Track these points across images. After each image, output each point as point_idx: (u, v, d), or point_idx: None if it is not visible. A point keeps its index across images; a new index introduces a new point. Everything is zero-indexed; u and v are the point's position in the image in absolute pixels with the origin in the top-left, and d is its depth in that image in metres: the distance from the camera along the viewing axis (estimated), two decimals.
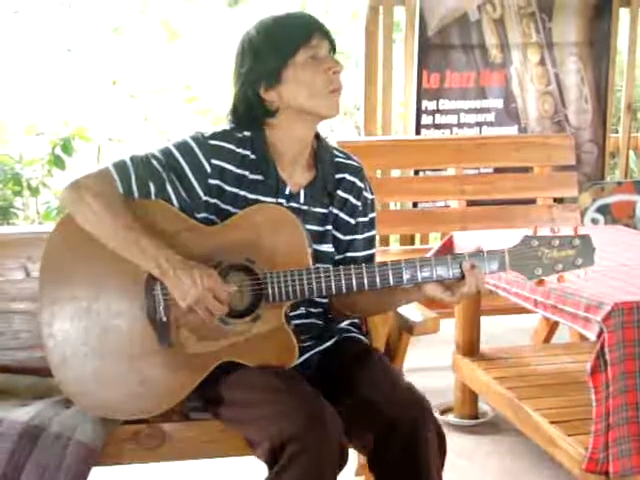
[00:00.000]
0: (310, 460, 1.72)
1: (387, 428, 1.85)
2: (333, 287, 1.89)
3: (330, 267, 1.93)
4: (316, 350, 2.07)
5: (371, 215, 2.13)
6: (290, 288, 1.88)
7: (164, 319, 1.92)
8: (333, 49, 1.99)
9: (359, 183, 2.10)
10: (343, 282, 1.89)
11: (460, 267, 1.87)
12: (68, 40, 6.69)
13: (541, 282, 1.93)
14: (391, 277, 1.88)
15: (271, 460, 1.77)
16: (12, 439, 1.90)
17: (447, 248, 3.03)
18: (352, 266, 1.90)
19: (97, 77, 6.59)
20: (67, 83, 6.39)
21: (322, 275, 1.89)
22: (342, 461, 1.80)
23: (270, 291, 1.89)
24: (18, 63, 6.29)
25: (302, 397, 1.81)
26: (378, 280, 1.89)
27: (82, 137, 4.54)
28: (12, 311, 2.33)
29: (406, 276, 1.88)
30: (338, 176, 2.08)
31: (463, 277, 1.87)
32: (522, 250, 1.86)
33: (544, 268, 1.85)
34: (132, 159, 1.96)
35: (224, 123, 2.06)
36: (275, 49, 1.94)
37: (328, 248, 2.06)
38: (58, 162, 4.41)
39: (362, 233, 2.11)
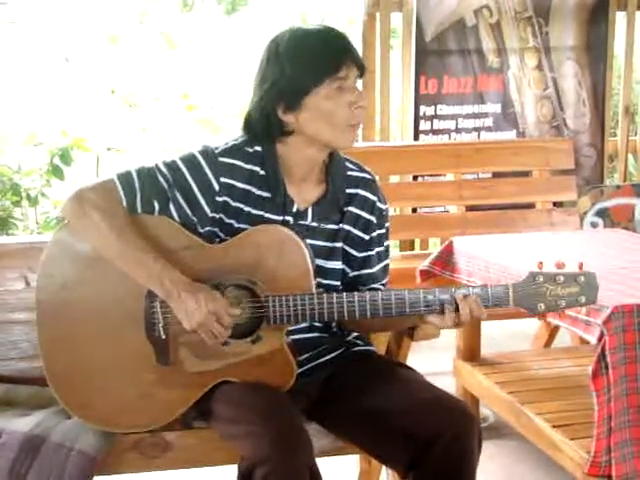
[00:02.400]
0: None
1: (427, 444, 1.82)
2: (335, 314, 1.88)
3: (333, 293, 1.90)
4: (318, 362, 2.06)
5: (387, 225, 2.11)
6: (292, 312, 1.87)
7: (163, 337, 1.91)
8: (361, 73, 1.94)
9: (372, 197, 2.07)
10: (345, 310, 1.88)
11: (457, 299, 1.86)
12: (66, 50, 6.69)
13: (543, 316, 1.94)
14: (394, 307, 1.87)
15: None
16: (13, 449, 1.90)
17: (447, 253, 3.03)
18: (355, 293, 1.89)
19: (95, 87, 6.59)
20: (65, 93, 6.39)
21: (325, 301, 1.87)
22: None
23: (271, 314, 1.87)
24: (16, 73, 6.29)
25: (276, 418, 1.79)
26: (381, 310, 1.88)
27: (81, 147, 4.55)
28: (12, 321, 2.33)
29: (409, 305, 1.87)
30: (350, 191, 2.05)
31: (457, 309, 1.86)
32: (527, 286, 1.86)
33: (547, 304, 1.86)
34: (138, 173, 1.92)
35: (230, 133, 2.04)
36: (301, 75, 1.87)
37: (336, 265, 2.04)
38: (57, 172, 4.42)
39: (379, 246, 2.09)
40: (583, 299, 1.85)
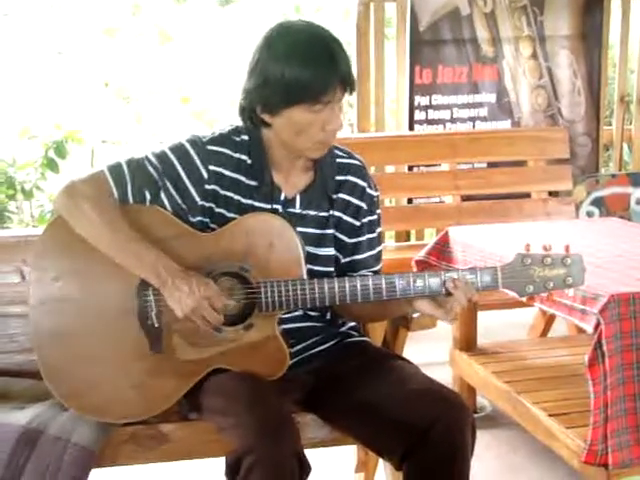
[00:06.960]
0: (265, 473, 1.70)
1: (420, 435, 1.82)
2: (327, 299, 1.89)
3: (325, 278, 1.91)
4: (313, 352, 2.06)
5: (378, 212, 2.11)
6: (283, 298, 1.88)
7: (156, 325, 1.92)
8: (350, 91, 1.89)
9: (361, 182, 2.07)
10: (337, 294, 1.89)
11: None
12: (59, 42, 6.67)
13: (532, 298, 1.95)
14: (384, 290, 1.88)
15: (232, 473, 1.76)
16: (10, 443, 1.90)
17: (443, 243, 3.03)
18: (346, 278, 1.90)
19: (89, 79, 6.57)
20: (59, 86, 6.37)
21: (316, 286, 1.88)
22: (302, 472, 1.77)
23: (263, 300, 1.88)
24: (9, 66, 6.27)
25: (261, 408, 1.79)
26: (371, 293, 1.89)
27: (75, 140, 4.54)
28: (8, 314, 2.33)
29: (399, 289, 1.88)
30: (339, 178, 2.05)
31: (450, 294, 1.87)
32: (514, 267, 1.88)
33: (535, 286, 1.88)
34: (128, 164, 1.93)
35: (222, 124, 2.04)
36: (284, 91, 1.84)
37: (327, 252, 2.05)
38: (52, 165, 4.41)
39: (370, 232, 2.09)
40: (571, 280, 1.87)
